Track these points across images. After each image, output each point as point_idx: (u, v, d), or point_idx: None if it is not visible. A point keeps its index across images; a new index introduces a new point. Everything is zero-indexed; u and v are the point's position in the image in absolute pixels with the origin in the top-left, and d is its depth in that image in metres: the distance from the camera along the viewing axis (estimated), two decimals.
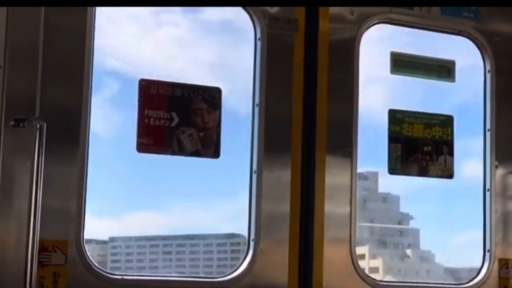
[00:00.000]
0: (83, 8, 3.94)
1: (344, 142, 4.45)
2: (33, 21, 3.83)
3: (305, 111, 4.36)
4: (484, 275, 4.74)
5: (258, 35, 4.32)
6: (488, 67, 4.90)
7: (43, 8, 3.83)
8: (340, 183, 4.43)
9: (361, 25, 4.54)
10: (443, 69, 4.81)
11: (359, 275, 4.40)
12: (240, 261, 4.22)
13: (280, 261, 4.25)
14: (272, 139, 4.29)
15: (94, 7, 3.97)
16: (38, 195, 3.62)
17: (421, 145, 4.69)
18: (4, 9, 3.77)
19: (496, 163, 4.85)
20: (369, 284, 4.43)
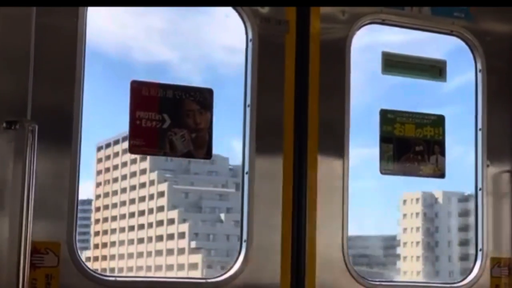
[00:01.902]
0: (75, 10, 3.94)
1: (335, 143, 4.46)
2: (25, 23, 3.82)
3: (297, 111, 4.36)
4: (477, 274, 4.76)
5: (250, 36, 4.32)
6: (479, 67, 4.91)
7: (34, 10, 3.83)
8: (332, 183, 4.44)
9: (352, 25, 4.55)
10: (434, 69, 4.83)
11: (351, 275, 4.41)
12: (234, 261, 4.23)
13: (272, 262, 4.25)
14: (263, 139, 4.30)
15: (85, 9, 3.97)
16: (30, 197, 3.62)
17: (412, 145, 4.70)
18: None
19: (488, 162, 4.86)
20: (361, 284, 4.43)
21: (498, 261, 4.80)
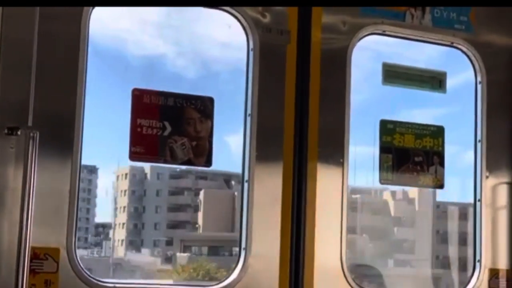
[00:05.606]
0: (78, 14, 3.96)
1: (335, 152, 4.48)
2: (27, 28, 3.84)
3: (297, 121, 4.38)
4: (474, 285, 4.77)
5: (251, 46, 4.35)
6: (479, 79, 4.92)
7: (37, 14, 3.85)
8: (331, 192, 4.45)
9: (353, 36, 4.57)
10: (434, 80, 4.84)
11: (349, 284, 4.42)
12: (232, 269, 4.24)
13: (271, 270, 4.26)
14: (264, 148, 4.31)
15: (89, 13, 3.98)
16: (31, 203, 3.64)
17: (412, 156, 4.72)
18: None
19: (487, 173, 4.88)
20: None
21: (496, 273, 4.81)
